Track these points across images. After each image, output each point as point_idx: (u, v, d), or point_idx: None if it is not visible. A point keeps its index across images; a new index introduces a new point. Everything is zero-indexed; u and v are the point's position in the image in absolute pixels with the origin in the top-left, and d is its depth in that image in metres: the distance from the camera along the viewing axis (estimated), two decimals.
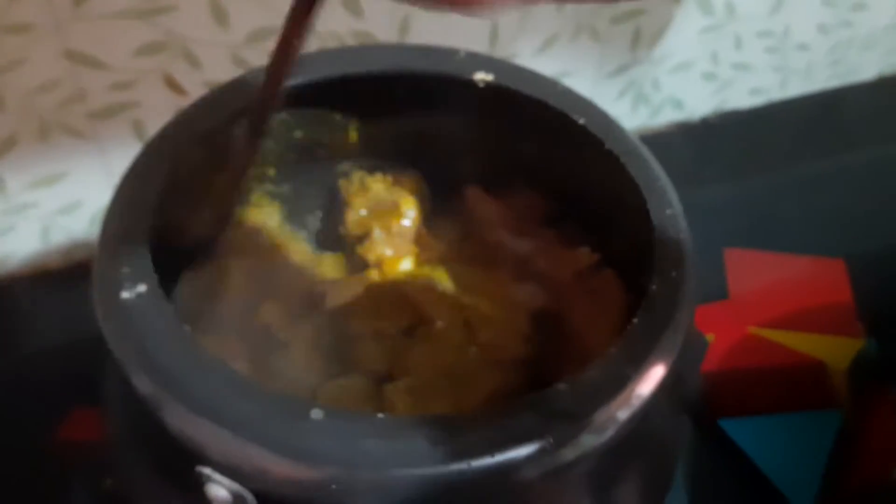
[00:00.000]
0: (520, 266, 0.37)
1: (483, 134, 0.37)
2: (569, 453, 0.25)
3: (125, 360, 0.26)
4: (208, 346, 0.28)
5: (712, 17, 0.63)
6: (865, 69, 0.76)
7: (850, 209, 0.64)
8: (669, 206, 0.31)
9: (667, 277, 0.28)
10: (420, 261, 0.38)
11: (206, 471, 0.25)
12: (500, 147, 0.38)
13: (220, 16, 0.47)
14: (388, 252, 0.37)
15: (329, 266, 0.38)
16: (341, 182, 0.40)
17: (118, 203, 0.30)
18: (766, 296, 0.51)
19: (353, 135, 0.39)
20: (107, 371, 0.33)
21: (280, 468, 0.24)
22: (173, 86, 0.49)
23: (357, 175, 0.40)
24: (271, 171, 0.39)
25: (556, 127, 0.34)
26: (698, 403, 0.46)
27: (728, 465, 0.45)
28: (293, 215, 0.41)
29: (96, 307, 0.28)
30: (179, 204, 0.31)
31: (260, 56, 0.50)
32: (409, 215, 0.38)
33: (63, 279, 0.53)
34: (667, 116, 0.70)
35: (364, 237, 0.38)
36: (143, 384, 0.26)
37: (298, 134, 0.38)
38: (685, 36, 0.64)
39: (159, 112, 0.50)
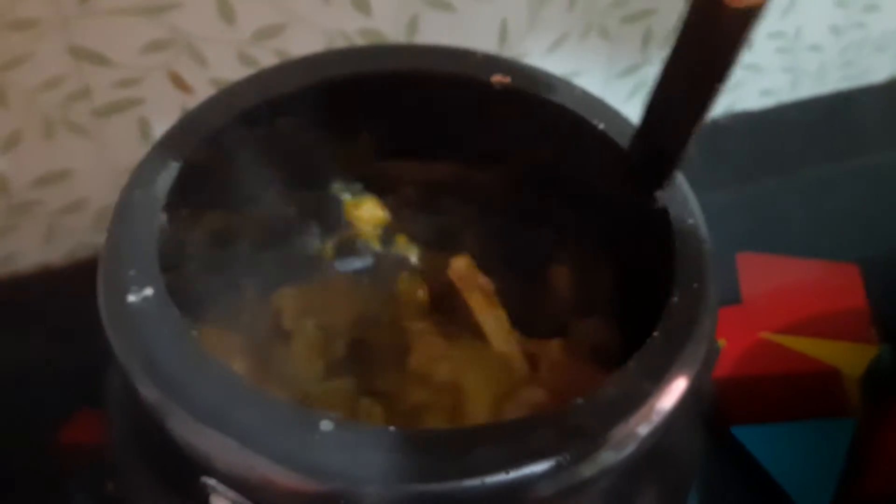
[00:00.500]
0: None
1: (497, 137, 0.37)
2: (586, 470, 0.25)
3: (130, 366, 0.25)
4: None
5: None
6: (878, 71, 0.75)
7: (863, 212, 0.64)
8: (691, 216, 0.30)
9: (688, 289, 0.28)
10: None
11: (211, 482, 0.25)
12: (515, 150, 0.37)
13: (226, 13, 0.47)
14: None
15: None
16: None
17: (125, 204, 0.29)
18: (779, 301, 0.51)
19: (366, 135, 0.38)
20: (109, 374, 0.33)
21: (287, 481, 0.23)
22: (179, 83, 0.49)
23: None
24: (281, 173, 0.39)
25: (573, 131, 0.33)
26: (710, 410, 0.46)
27: (740, 473, 0.45)
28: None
29: (102, 310, 0.27)
30: (188, 204, 0.31)
31: (266, 54, 0.49)
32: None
33: (67, 278, 0.53)
34: None
35: None
36: (148, 391, 0.25)
37: (311, 134, 0.37)
38: None
39: (165, 110, 0.49)
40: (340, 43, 0.51)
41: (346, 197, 0.42)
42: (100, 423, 0.42)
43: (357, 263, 0.42)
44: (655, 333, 0.27)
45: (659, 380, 0.26)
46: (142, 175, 0.30)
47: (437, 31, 0.53)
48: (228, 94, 0.34)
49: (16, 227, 0.51)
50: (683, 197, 0.31)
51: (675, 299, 0.28)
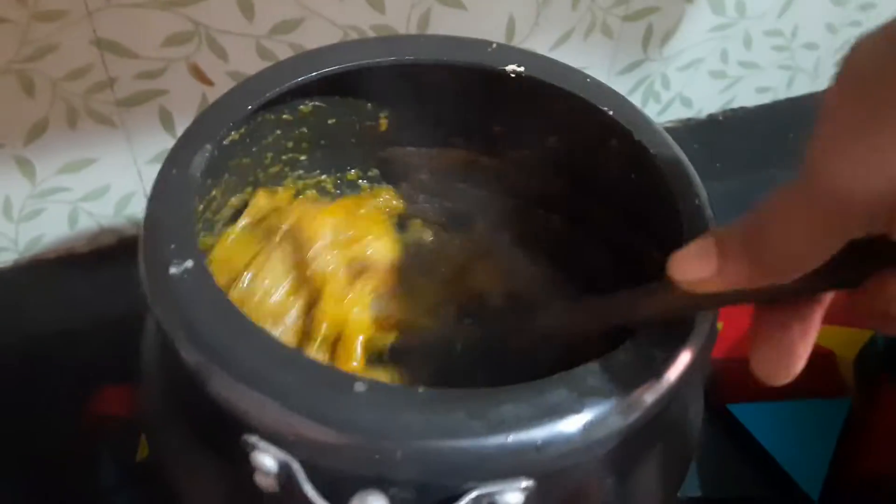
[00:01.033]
0: None
1: (511, 124, 0.38)
2: (598, 431, 0.26)
3: (174, 333, 0.27)
4: None
5: (723, 16, 0.64)
6: None
7: None
8: (697, 197, 0.32)
9: None
10: None
11: (253, 439, 0.26)
12: (528, 137, 0.39)
13: (246, 7, 0.48)
14: None
15: None
16: None
17: (163, 183, 0.31)
18: None
19: (384, 123, 0.40)
20: (144, 347, 0.34)
21: (325, 437, 0.25)
22: (199, 75, 0.50)
23: None
24: (303, 158, 0.41)
25: (584, 117, 0.35)
26: (708, 389, 0.47)
27: (737, 448, 0.46)
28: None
29: (144, 283, 0.28)
30: (225, 185, 0.32)
31: (284, 48, 0.51)
32: None
33: (90, 263, 0.54)
34: (675, 113, 0.71)
35: None
36: (191, 356, 0.27)
37: (332, 121, 0.39)
38: (696, 34, 0.65)
39: (186, 101, 0.51)
40: (354, 38, 0.52)
41: (363, 183, 0.44)
42: (126, 397, 0.44)
43: None
44: None
45: (669, 351, 0.27)
46: (177, 156, 0.32)
47: (448, 28, 0.55)
48: (253, 82, 0.36)
49: (41, 213, 0.52)
50: (690, 178, 0.33)
51: None
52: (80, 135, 0.50)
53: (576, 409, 0.26)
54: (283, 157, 0.40)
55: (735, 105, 0.73)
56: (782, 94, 0.75)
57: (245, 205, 0.39)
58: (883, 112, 0.19)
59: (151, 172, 0.53)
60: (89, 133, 0.50)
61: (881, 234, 0.21)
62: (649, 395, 0.27)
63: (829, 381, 0.48)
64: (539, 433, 0.25)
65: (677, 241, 0.30)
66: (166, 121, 0.51)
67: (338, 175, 0.43)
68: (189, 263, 0.28)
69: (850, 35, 0.71)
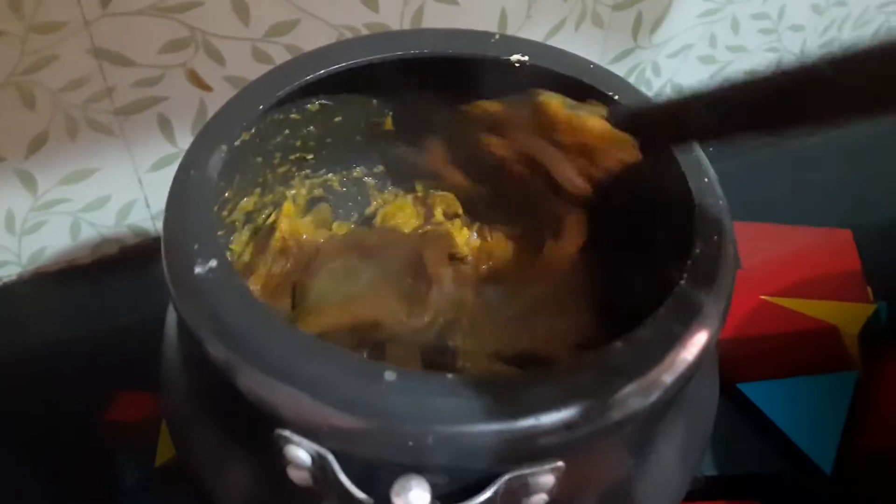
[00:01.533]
0: None
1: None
2: (624, 410, 0.26)
3: (202, 332, 0.27)
4: None
5: (711, 1, 0.65)
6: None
7: (846, 183, 0.66)
8: (706, 175, 0.32)
9: (709, 240, 0.30)
10: None
11: (286, 433, 0.26)
12: None
13: (241, 11, 0.49)
14: None
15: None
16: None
17: (181, 184, 0.31)
18: (777, 266, 0.53)
19: (389, 120, 0.40)
20: (165, 350, 0.35)
21: (358, 426, 0.25)
22: (197, 81, 0.50)
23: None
24: (310, 157, 0.41)
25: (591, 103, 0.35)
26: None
27: (749, 426, 0.47)
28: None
29: (169, 283, 0.29)
30: (237, 186, 0.32)
31: (280, 50, 0.51)
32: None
33: (93, 274, 0.54)
34: None
35: None
36: (221, 353, 0.27)
37: (338, 119, 0.39)
38: (685, 20, 0.66)
39: (184, 107, 0.51)
40: (349, 37, 0.53)
41: (369, 180, 0.44)
42: (141, 403, 0.44)
43: None
44: (682, 282, 0.29)
45: (689, 325, 0.28)
46: (193, 157, 0.32)
47: (441, 23, 0.55)
48: (262, 83, 0.36)
49: (43, 224, 0.52)
50: (697, 158, 0.33)
51: (698, 250, 0.30)
52: (81, 145, 0.50)
53: (602, 389, 0.26)
54: (291, 157, 0.40)
55: None
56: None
57: (254, 208, 0.39)
58: None
59: (152, 180, 0.53)
60: (89, 143, 0.50)
61: None
62: (672, 373, 0.27)
63: (835, 356, 0.49)
64: (567, 414, 0.26)
65: (689, 217, 0.31)
66: (165, 128, 0.51)
67: (343, 173, 0.43)
68: (213, 262, 0.28)
69: (835, 15, 0.72)
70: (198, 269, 0.28)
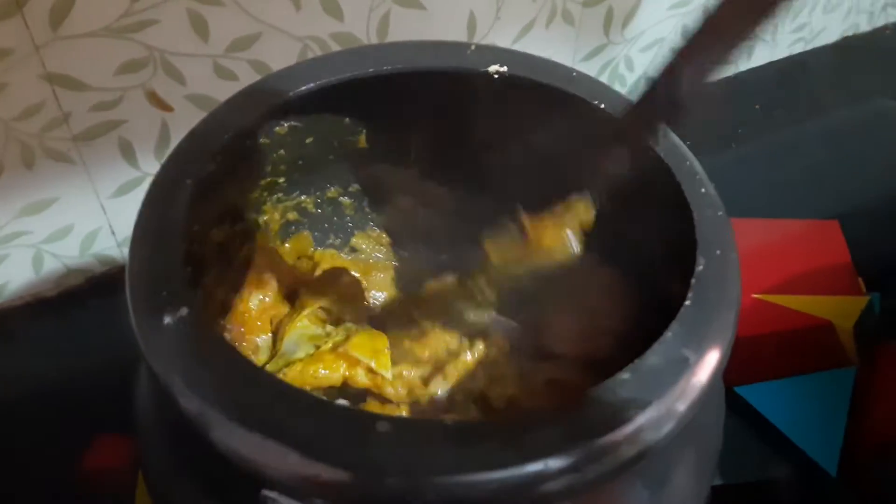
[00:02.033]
0: None
1: (500, 127, 0.37)
2: (636, 445, 0.25)
3: (175, 388, 0.25)
4: None
5: None
6: (829, 32, 0.77)
7: (827, 170, 0.65)
8: (703, 186, 0.31)
9: (712, 256, 0.28)
10: None
11: (273, 495, 0.25)
12: (518, 138, 0.37)
13: (199, 27, 0.46)
14: None
15: None
16: None
17: (144, 226, 0.29)
18: (766, 262, 0.52)
19: (363, 138, 0.38)
20: (138, 396, 0.33)
21: (353, 485, 0.24)
22: (157, 102, 0.48)
23: None
24: (281, 181, 0.39)
25: (574, 113, 0.34)
26: None
27: (750, 431, 0.46)
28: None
29: (137, 335, 0.26)
30: (205, 219, 0.31)
31: (242, 65, 0.49)
32: None
33: (59, 307, 0.52)
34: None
35: None
36: (194, 408, 0.25)
37: (309, 141, 0.37)
38: (656, 13, 0.64)
39: (145, 129, 0.49)
40: (314, 49, 0.51)
41: (345, 199, 0.42)
42: (119, 448, 0.42)
43: None
44: (687, 302, 0.27)
45: (698, 347, 0.26)
46: (156, 194, 0.30)
47: (408, 29, 0.53)
48: (224, 110, 0.34)
49: (4, 258, 0.50)
50: (692, 168, 0.32)
51: (701, 268, 0.28)
52: (38, 175, 0.47)
53: (611, 425, 0.25)
54: (262, 183, 0.38)
55: None
56: (743, 65, 0.75)
57: (225, 239, 0.37)
58: None
59: (115, 206, 0.51)
60: (47, 172, 0.47)
61: None
62: (684, 401, 0.26)
63: (831, 352, 0.48)
64: (576, 455, 0.24)
65: (689, 232, 0.30)
66: (127, 152, 0.49)
67: (318, 194, 0.41)
68: (184, 311, 0.26)
69: (804, 0, 0.71)
70: (167, 319, 0.26)
